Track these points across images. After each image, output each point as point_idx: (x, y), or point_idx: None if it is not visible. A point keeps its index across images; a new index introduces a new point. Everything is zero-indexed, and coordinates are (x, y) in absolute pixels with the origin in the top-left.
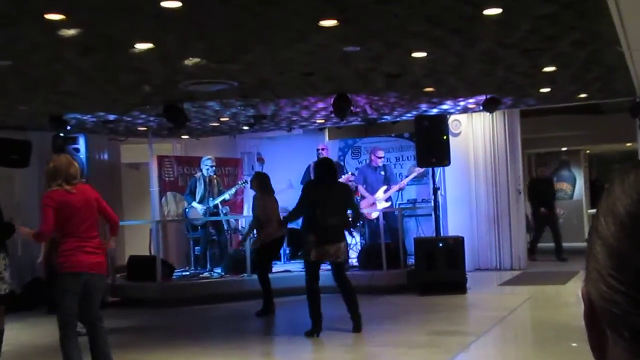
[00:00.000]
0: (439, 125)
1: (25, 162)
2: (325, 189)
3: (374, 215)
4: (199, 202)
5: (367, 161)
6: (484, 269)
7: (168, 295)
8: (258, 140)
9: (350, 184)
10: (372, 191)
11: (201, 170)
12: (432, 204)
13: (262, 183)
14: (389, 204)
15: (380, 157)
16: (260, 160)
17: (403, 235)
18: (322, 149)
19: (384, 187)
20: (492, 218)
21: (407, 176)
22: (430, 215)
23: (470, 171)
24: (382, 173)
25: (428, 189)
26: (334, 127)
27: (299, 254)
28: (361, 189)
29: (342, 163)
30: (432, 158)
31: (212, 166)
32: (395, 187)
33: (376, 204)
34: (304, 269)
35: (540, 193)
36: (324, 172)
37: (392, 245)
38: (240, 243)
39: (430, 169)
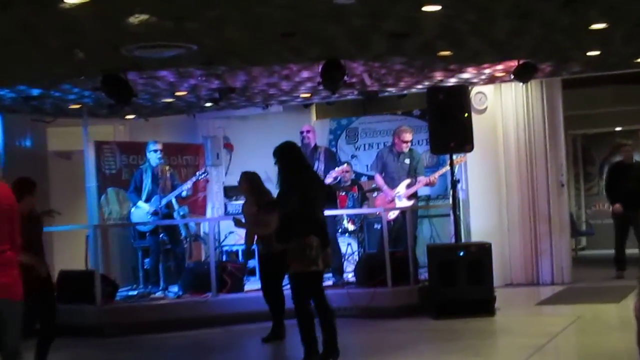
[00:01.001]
0: (459, 99)
1: None
2: (308, 178)
3: (392, 215)
4: (146, 201)
5: (389, 144)
6: (518, 284)
7: (110, 321)
8: (225, 120)
9: (346, 176)
10: (392, 184)
11: (148, 160)
12: (450, 201)
13: (253, 185)
14: (411, 202)
15: (406, 142)
16: (228, 147)
17: (414, 241)
18: (308, 132)
19: (407, 181)
20: (528, 218)
21: (429, 169)
22: (448, 215)
23: (498, 158)
24: (407, 162)
25: (445, 182)
26: (323, 103)
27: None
28: (379, 180)
29: (334, 149)
30: (449, 142)
31: (156, 150)
32: (422, 182)
33: (395, 201)
34: (292, 286)
35: (625, 183)
36: (295, 159)
37: (399, 255)
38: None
39: (446, 157)
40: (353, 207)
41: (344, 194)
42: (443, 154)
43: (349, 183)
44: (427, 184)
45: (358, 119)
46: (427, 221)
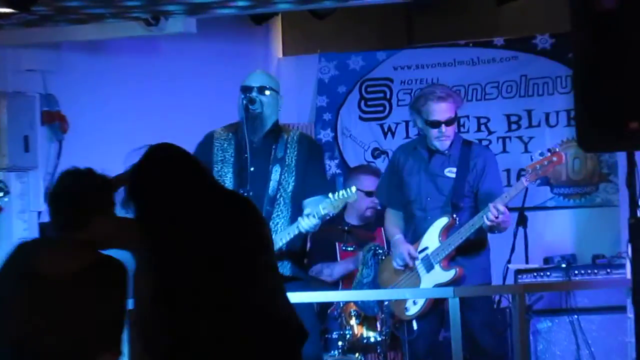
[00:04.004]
0: None
1: None
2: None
3: (414, 309)
4: None
5: (416, 135)
6: None
7: None
8: (46, 53)
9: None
10: (419, 229)
11: None
12: (629, 274)
13: None
14: (451, 273)
15: (439, 124)
16: (56, 121)
17: None
18: (262, 91)
19: (443, 221)
20: None
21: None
22: (623, 311)
23: None
24: (451, 173)
25: (613, 231)
26: (303, 12)
27: None
28: (388, 224)
29: (325, 135)
30: (626, 116)
31: None
32: (473, 223)
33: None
34: None
35: None
36: (178, 194)
37: None
38: None
39: (617, 160)
40: (372, 283)
41: (351, 249)
42: (607, 149)
43: (371, 219)
44: (491, 226)
45: (392, 55)
46: (568, 323)
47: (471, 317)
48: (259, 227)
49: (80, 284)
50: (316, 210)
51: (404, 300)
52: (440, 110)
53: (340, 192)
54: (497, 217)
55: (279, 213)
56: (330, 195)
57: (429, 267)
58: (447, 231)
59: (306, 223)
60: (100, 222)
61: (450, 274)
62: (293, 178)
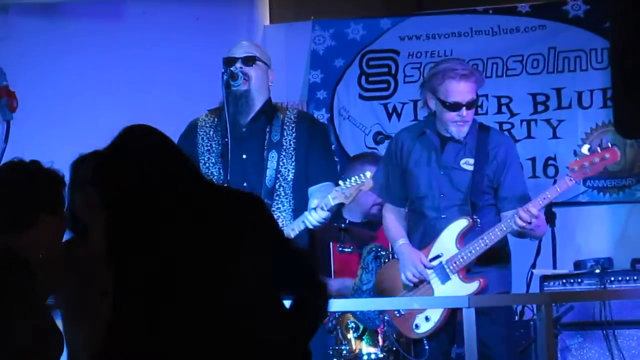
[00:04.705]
0: None
1: None
2: (182, 228)
3: (424, 326)
4: None
5: (424, 118)
6: None
7: None
8: None
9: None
10: (429, 231)
11: None
12: None
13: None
14: (474, 285)
15: (458, 107)
16: (2, 96)
17: None
18: (248, 62)
19: (462, 223)
20: None
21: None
22: None
23: None
24: (468, 165)
25: None
26: None
27: None
28: (388, 219)
29: (321, 117)
30: None
31: None
32: (499, 229)
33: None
34: None
35: None
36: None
37: None
38: None
39: None
40: (373, 290)
41: (348, 251)
42: None
43: (377, 217)
44: (522, 232)
45: (399, 23)
46: (603, 338)
47: (487, 330)
48: (261, 236)
49: None
50: (325, 202)
51: (412, 316)
52: (461, 90)
53: (353, 179)
54: (529, 223)
55: (280, 206)
56: (340, 182)
57: (445, 278)
58: (465, 235)
59: (314, 217)
60: (45, 222)
61: (472, 286)
62: (293, 164)
